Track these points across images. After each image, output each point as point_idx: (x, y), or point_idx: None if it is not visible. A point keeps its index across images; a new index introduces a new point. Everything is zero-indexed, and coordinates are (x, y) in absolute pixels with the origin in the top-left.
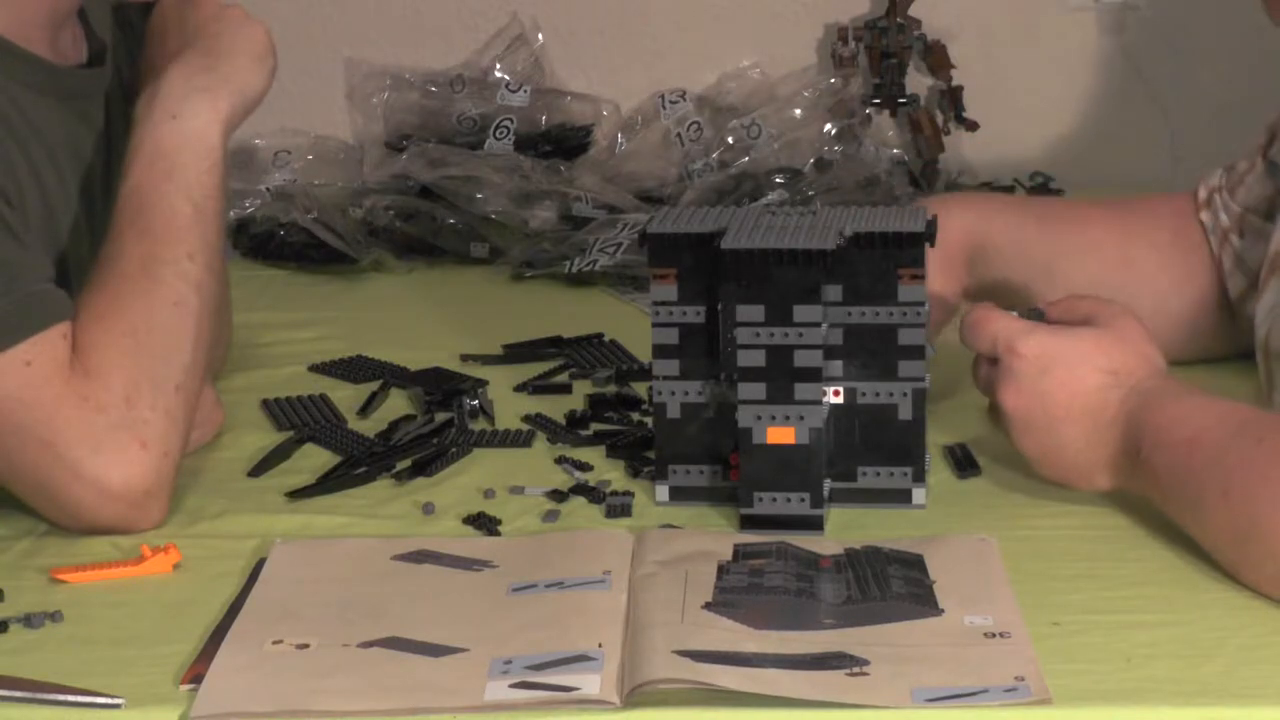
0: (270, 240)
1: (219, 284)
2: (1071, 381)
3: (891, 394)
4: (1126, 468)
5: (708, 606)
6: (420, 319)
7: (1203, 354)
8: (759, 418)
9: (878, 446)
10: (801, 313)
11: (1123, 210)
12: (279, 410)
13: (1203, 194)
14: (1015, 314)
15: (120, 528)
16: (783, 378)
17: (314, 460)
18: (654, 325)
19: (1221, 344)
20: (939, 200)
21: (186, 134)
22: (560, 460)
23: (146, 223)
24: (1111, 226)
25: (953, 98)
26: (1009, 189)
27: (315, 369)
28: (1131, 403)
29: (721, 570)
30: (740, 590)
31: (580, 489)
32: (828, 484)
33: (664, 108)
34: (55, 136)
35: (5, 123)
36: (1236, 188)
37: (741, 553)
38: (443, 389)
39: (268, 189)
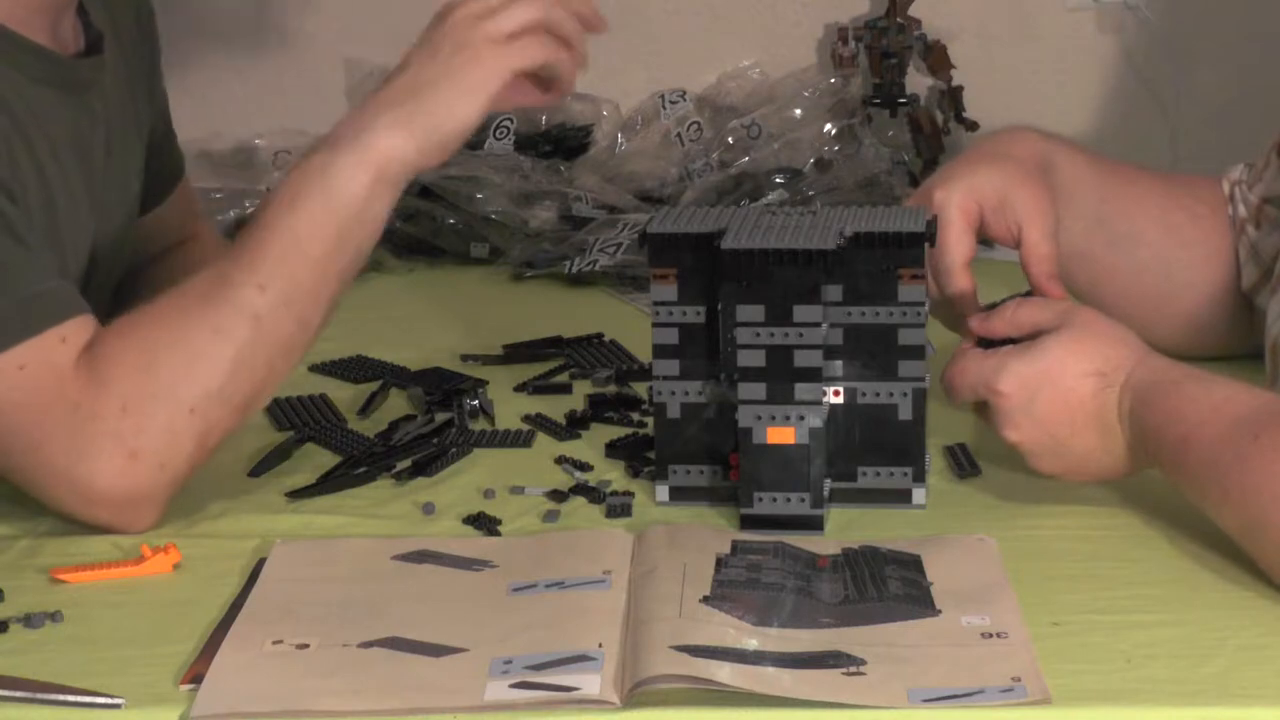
0: None
1: (296, 326)
2: (1064, 397)
3: (891, 394)
4: (1143, 460)
5: (705, 600)
6: (420, 319)
7: (1220, 346)
8: (759, 418)
9: (878, 446)
10: (801, 313)
11: (1165, 178)
12: (279, 410)
13: (1225, 187)
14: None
15: (110, 529)
16: (783, 378)
17: (314, 460)
18: (654, 325)
19: (1237, 335)
20: (1010, 129)
21: (329, 169)
22: (560, 460)
23: (241, 244)
24: (1155, 188)
25: (953, 98)
26: None
27: (315, 369)
28: (1127, 402)
29: (720, 563)
30: (739, 584)
31: (580, 489)
32: (828, 484)
33: (664, 108)
34: (57, 128)
35: (9, 115)
36: (1255, 183)
37: (739, 548)
38: (443, 389)
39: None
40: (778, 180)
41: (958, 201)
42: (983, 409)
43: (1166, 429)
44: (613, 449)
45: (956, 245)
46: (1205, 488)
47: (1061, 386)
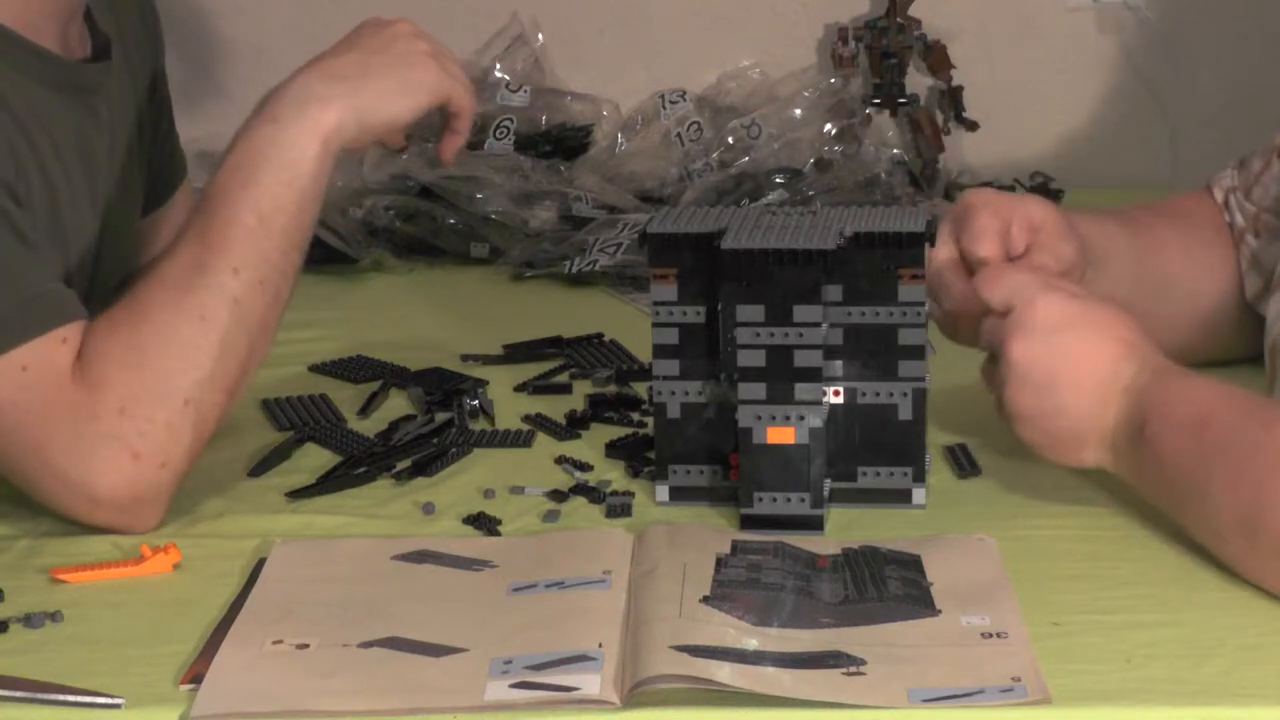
0: None
1: (270, 301)
2: (1087, 344)
3: (891, 394)
4: (1125, 445)
5: (705, 600)
6: (420, 319)
7: (1231, 353)
8: (759, 418)
9: (878, 446)
10: (801, 313)
11: (1170, 213)
12: (279, 410)
13: (1219, 195)
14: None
15: (113, 530)
16: (783, 378)
17: (314, 460)
18: (654, 325)
19: (1244, 342)
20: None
21: (277, 141)
22: (560, 460)
23: (205, 228)
24: (1170, 228)
25: (953, 98)
26: (1009, 189)
27: (315, 369)
28: (1143, 378)
29: (720, 563)
30: (738, 584)
31: (580, 489)
32: (828, 484)
33: (664, 108)
34: (62, 132)
35: (14, 118)
36: (1251, 187)
37: (739, 548)
38: (443, 389)
39: None
40: (778, 180)
41: (992, 200)
42: (992, 319)
43: (1182, 407)
44: (613, 449)
45: (987, 220)
46: (1212, 474)
47: (1092, 334)
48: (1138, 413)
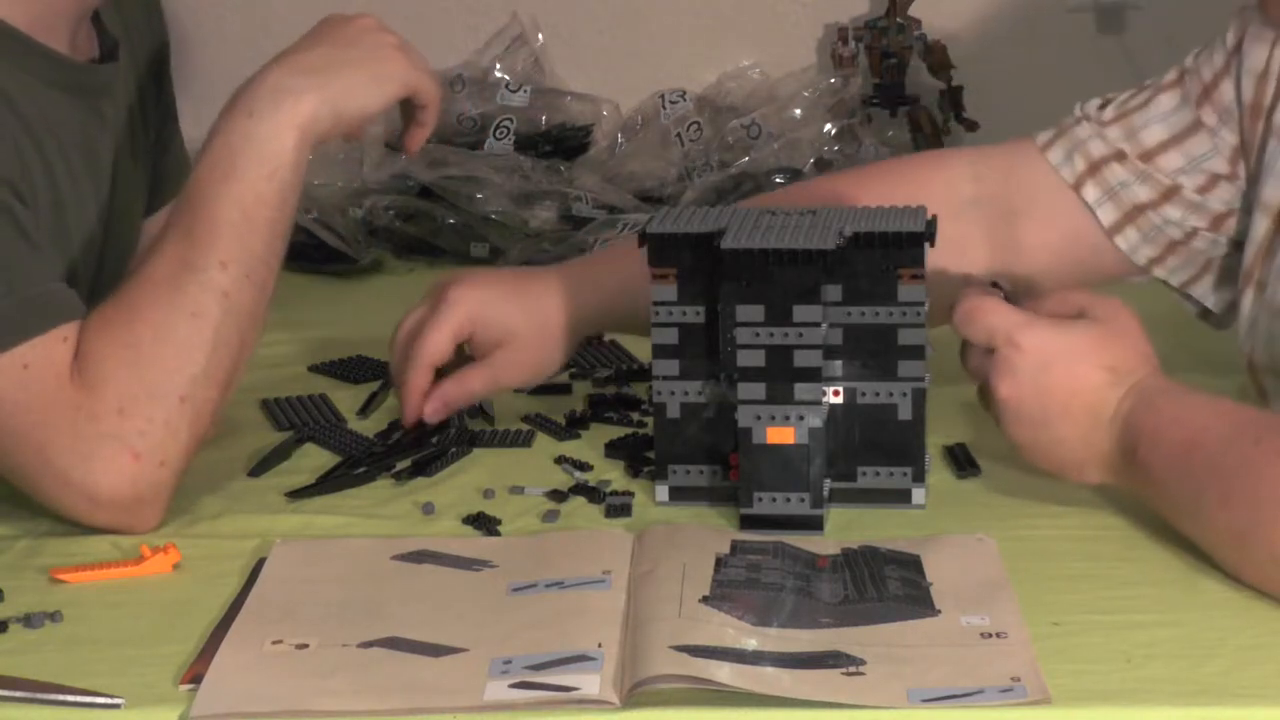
0: None
1: (257, 293)
2: (1072, 379)
3: (891, 394)
4: (1121, 466)
5: (705, 600)
6: None
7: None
8: (759, 418)
9: (877, 446)
10: (801, 313)
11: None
12: (279, 410)
13: (1071, 123)
14: (1000, 293)
15: (114, 530)
16: (783, 378)
17: (314, 460)
18: (654, 325)
19: (1116, 271)
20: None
21: (255, 135)
22: (560, 460)
23: (189, 225)
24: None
25: (953, 98)
26: None
27: (315, 369)
28: (1129, 402)
29: (719, 563)
30: (738, 584)
31: (580, 489)
32: (828, 484)
33: (664, 108)
34: (69, 132)
35: (21, 119)
36: (1111, 122)
37: (739, 548)
38: None
39: None
40: (778, 180)
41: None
42: (976, 356)
43: (1169, 431)
44: (613, 449)
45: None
46: (1203, 492)
47: (1076, 367)
48: (1128, 438)
